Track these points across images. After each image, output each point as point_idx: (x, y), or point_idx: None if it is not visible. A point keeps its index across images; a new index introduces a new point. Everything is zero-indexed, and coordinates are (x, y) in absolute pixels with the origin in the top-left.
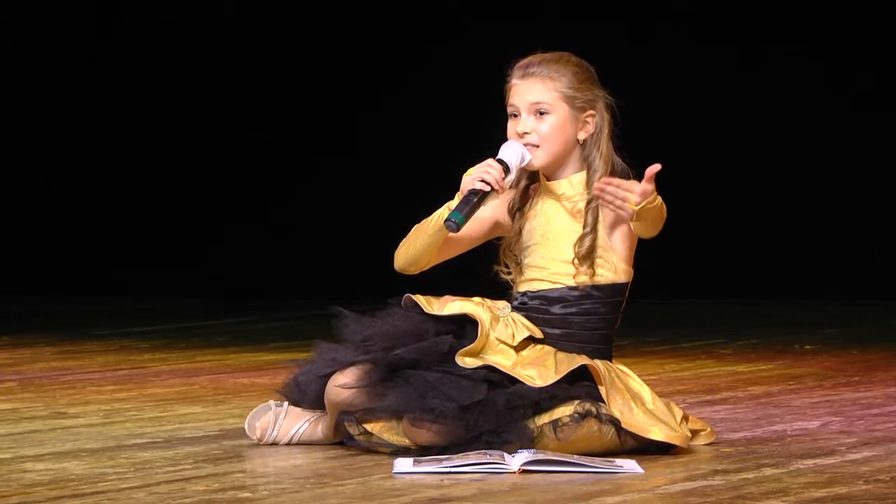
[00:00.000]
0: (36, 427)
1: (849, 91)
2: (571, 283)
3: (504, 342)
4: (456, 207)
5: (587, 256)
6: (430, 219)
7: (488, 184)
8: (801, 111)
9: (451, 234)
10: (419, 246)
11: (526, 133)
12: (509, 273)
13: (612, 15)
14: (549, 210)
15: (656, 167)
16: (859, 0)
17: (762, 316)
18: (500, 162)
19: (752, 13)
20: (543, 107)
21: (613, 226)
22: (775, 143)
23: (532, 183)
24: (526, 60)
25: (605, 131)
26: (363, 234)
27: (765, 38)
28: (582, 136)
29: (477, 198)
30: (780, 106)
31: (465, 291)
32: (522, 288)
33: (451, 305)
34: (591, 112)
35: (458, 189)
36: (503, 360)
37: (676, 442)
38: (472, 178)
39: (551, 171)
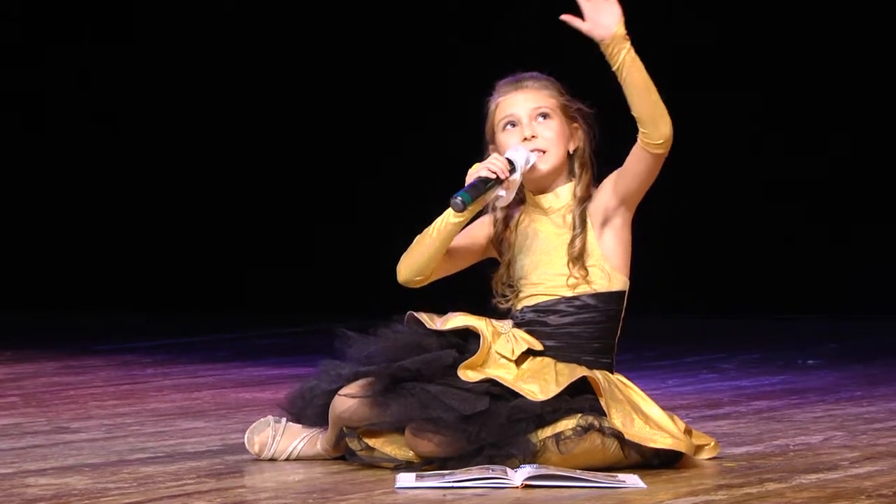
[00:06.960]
0: (38, 442)
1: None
2: (567, 293)
3: (504, 356)
4: (463, 189)
5: (579, 258)
6: (431, 227)
7: (495, 173)
8: (802, 120)
9: (450, 246)
10: (425, 254)
11: (534, 136)
12: (508, 300)
13: None
14: (538, 226)
15: None
16: None
17: (764, 331)
18: (507, 160)
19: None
20: (546, 111)
21: (604, 223)
22: (777, 158)
23: (512, 212)
24: (513, 76)
25: (589, 143)
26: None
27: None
28: (572, 146)
29: (484, 185)
30: (781, 117)
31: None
32: (520, 306)
33: (453, 320)
34: (577, 124)
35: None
36: (504, 373)
37: (681, 449)
38: (479, 168)
39: (546, 183)
